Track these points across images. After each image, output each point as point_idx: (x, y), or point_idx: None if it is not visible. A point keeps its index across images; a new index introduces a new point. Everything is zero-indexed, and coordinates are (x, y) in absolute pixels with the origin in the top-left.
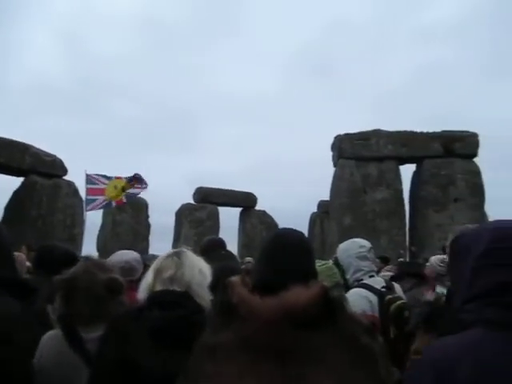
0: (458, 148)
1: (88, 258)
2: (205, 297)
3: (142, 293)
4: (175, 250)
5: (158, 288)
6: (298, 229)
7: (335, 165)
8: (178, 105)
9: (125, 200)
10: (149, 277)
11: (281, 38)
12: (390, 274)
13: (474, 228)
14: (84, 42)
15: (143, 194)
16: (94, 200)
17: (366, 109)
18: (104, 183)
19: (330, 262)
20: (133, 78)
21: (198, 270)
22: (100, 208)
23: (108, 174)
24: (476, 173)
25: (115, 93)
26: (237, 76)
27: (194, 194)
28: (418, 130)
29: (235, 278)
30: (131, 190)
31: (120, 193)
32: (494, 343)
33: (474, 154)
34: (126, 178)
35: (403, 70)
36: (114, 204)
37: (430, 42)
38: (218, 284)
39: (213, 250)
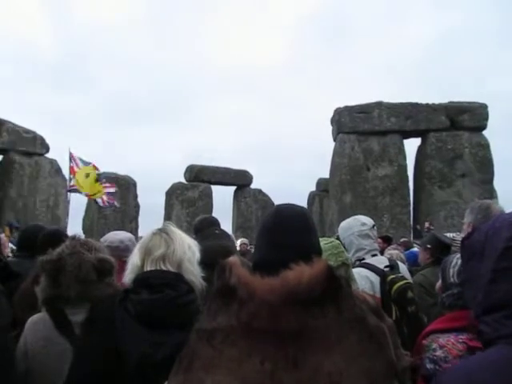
0: (465, 120)
1: (75, 238)
2: (195, 273)
3: (128, 275)
4: (160, 227)
5: (149, 268)
6: None
7: (335, 140)
8: (172, 76)
9: (105, 202)
10: (136, 258)
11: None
12: (396, 252)
13: (491, 222)
14: (71, 9)
15: (130, 173)
16: (71, 180)
17: (373, 79)
18: (78, 167)
19: (335, 239)
20: (123, 47)
21: (188, 245)
22: (68, 191)
23: (85, 159)
24: (484, 146)
25: (104, 64)
26: (238, 44)
27: (186, 172)
28: (423, 101)
29: (233, 258)
30: (107, 196)
31: (93, 188)
32: None
33: (483, 127)
34: (98, 173)
35: (421, 37)
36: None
37: (454, 7)
38: (213, 264)
39: (206, 228)
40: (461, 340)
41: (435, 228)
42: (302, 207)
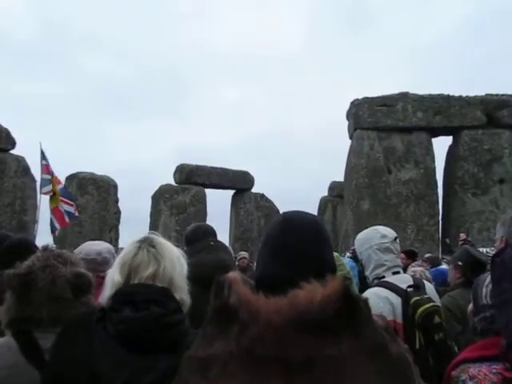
0: (504, 116)
1: (47, 249)
2: (185, 289)
3: (107, 295)
4: (143, 237)
5: None
6: None
7: (351, 137)
8: (163, 61)
9: (67, 220)
10: (117, 276)
11: None
12: (420, 269)
13: None
14: None
15: (111, 173)
16: (50, 181)
17: (398, 68)
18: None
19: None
20: (109, 27)
21: (177, 258)
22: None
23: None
24: None
25: (85, 45)
26: (241, 26)
27: (176, 172)
28: (456, 93)
29: (233, 274)
30: (66, 208)
31: (54, 201)
32: None
33: None
34: (60, 187)
35: (452, 18)
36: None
37: None
38: (206, 281)
39: (200, 239)
40: (494, 370)
41: (471, 241)
42: (313, 215)
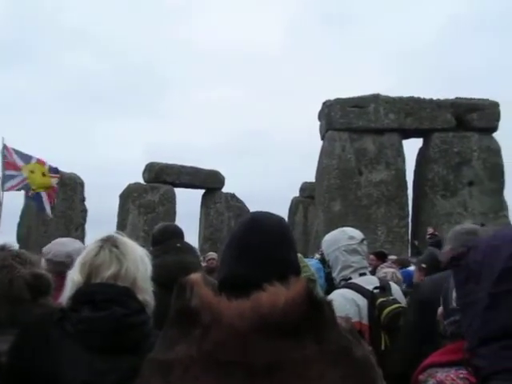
0: (474, 119)
1: (4, 248)
2: (149, 290)
3: (67, 295)
4: (105, 236)
5: None
6: None
7: (323, 138)
8: (141, 59)
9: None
10: (77, 276)
11: None
12: (392, 270)
13: (489, 239)
14: None
15: (78, 171)
16: (14, 177)
17: (371, 69)
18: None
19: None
20: (85, 20)
21: (140, 258)
22: (19, 189)
23: (28, 152)
24: (496, 151)
25: (61, 40)
26: (221, 25)
27: (145, 171)
28: (427, 96)
29: (195, 275)
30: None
31: (45, 182)
32: None
33: (494, 128)
34: (49, 166)
35: (427, 23)
36: (44, 197)
37: None
38: (168, 283)
39: (167, 240)
40: (462, 375)
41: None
42: (280, 217)
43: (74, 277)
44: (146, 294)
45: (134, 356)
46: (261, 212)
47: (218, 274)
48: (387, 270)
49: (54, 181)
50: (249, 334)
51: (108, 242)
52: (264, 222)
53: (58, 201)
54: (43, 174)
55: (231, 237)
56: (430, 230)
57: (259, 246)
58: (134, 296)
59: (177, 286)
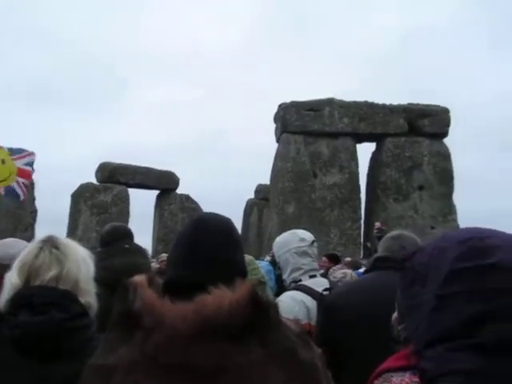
0: (425, 125)
1: None
2: (92, 292)
3: (4, 297)
4: (45, 237)
5: None
6: (230, 217)
7: (278, 140)
8: (99, 57)
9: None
10: (16, 279)
11: None
12: (350, 271)
13: (436, 241)
14: None
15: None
16: None
17: (328, 73)
18: None
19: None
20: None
21: (82, 259)
22: None
23: None
24: (445, 156)
25: (10, 32)
26: (182, 25)
27: (98, 170)
28: (380, 102)
29: (139, 277)
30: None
31: (8, 171)
32: None
33: (444, 133)
34: (8, 149)
35: (389, 34)
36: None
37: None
38: (114, 285)
39: (116, 240)
40: (415, 380)
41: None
42: (227, 218)
43: (12, 279)
44: (89, 296)
45: (75, 361)
46: (208, 213)
47: (166, 275)
48: (346, 270)
49: (20, 162)
50: (192, 337)
51: (48, 243)
52: (211, 223)
53: (6, 200)
54: (2, 162)
55: (178, 238)
56: (378, 225)
57: (205, 248)
58: (75, 299)
59: (120, 288)
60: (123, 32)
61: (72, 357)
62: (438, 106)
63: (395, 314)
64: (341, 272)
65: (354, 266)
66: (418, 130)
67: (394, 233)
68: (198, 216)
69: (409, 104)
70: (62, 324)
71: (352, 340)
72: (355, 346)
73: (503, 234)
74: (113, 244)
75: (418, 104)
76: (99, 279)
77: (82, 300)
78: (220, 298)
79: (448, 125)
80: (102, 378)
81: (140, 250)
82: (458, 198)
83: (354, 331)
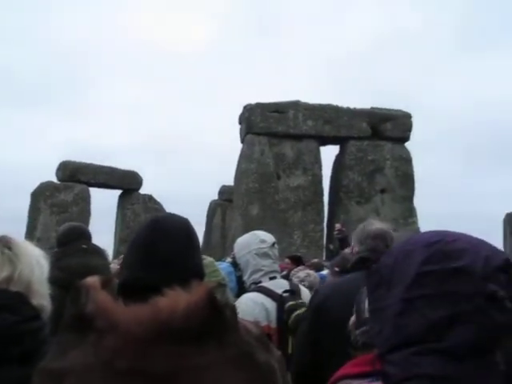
0: (387, 129)
1: None
2: (45, 294)
3: None
4: None
5: None
6: (193, 218)
7: (243, 141)
8: (66, 54)
9: None
10: None
11: None
12: (313, 273)
13: (402, 244)
14: None
15: None
16: None
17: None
18: None
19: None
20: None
21: (36, 260)
22: None
23: None
24: (407, 160)
25: None
26: (147, 23)
27: (59, 169)
28: (344, 105)
29: (92, 279)
30: None
31: None
32: None
33: (406, 138)
34: None
35: (357, 38)
36: None
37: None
38: (68, 286)
39: (73, 241)
40: None
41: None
42: (185, 219)
43: None
44: (42, 298)
45: (26, 365)
46: (165, 214)
47: (121, 276)
48: (309, 271)
49: None
50: (147, 340)
51: (0, 243)
52: (167, 223)
53: None
54: None
55: (133, 238)
56: (338, 226)
57: (161, 249)
58: (27, 301)
59: (73, 289)
60: (90, 29)
61: (24, 361)
62: (400, 110)
63: (353, 318)
64: (304, 272)
65: (317, 267)
66: (381, 134)
67: (375, 230)
68: (155, 216)
69: (372, 108)
70: (14, 327)
71: (339, 341)
72: (340, 347)
73: (470, 236)
74: (69, 244)
75: (381, 108)
76: (55, 280)
77: (35, 302)
78: (175, 300)
79: (410, 129)
80: (53, 382)
81: (98, 251)
82: (418, 201)
83: (341, 333)
